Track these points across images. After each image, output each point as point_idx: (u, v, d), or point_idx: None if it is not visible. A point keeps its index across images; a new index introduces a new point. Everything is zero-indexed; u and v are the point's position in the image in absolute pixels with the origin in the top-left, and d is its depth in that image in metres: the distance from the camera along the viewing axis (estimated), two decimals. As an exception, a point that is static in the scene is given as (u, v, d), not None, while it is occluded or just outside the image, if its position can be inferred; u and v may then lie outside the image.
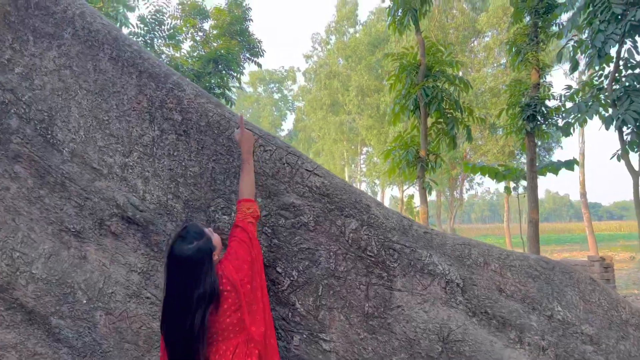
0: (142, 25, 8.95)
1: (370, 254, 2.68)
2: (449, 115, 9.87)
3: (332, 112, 44.93)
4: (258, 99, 59.99)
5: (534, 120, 9.87)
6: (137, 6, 8.99)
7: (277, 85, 60.54)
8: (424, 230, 2.78)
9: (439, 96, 9.34)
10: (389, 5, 9.75)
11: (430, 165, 10.06)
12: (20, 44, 3.10)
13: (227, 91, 10.20)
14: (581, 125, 8.97)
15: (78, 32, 3.08)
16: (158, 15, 9.10)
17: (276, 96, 60.63)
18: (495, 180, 11.55)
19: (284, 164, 2.82)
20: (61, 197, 2.99)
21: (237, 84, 10.89)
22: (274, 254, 2.71)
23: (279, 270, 2.70)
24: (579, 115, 8.34)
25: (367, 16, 48.31)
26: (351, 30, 48.96)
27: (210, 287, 2.14)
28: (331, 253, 2.69)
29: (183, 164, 2.91)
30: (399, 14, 9.66)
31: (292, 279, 2.68)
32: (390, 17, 9.81)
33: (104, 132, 3.00)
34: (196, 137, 2.90)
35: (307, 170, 2.80)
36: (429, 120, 10.07)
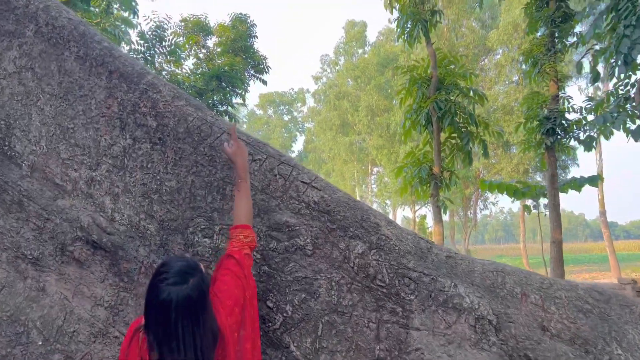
0: (142, 42, 8.68)
1: (381, 283, 2.19)
2: (463, 129, 9.38)
3: (342, 132, 44.73)
4: (268, 121, 60.06)
5: (553, 134, 9.33)
6: (138, 23, 8.75)
7: (287, 107, 60.63)
8: (446, 254, 2.29)
9: (452, 109, 8.87)
10: (398, 17, 9.40)
11: (444, 183, 9.54)
12: (-23, 43, 2.71)
13: (230, 108, 9.83)
14: (607, 138, 8.43)
15: (41, 28, 2.68)
16: (159, 31, 8.83)
17: (286, 118, 60.70)
18: (513, 198, 10.97)
19: (275, 175, 2.36)
20: (18, 219, 2.55)
21: (241, 101, 10.53)
22: (264, 284, 2.23)
23: (270, 304, 2.22)
24: (604, 127, 7.81)
25: (376, 37, 48.38)
26: (360, 51, 49.14)
27: (211, 332, 1.66)
28: (333, 283, 2.21)
29: (158, 177, 2.46)
30: (409, 26, 9.28)
31: (285, 315, 2.20)
32: (399, 29, 9.43)
33: (69, 142, 2.58)
34: (173, 145, 2.47)
35: (303, 182, 2.33)
36: (442, 136, 9.58)
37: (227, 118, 9.67)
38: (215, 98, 9.57)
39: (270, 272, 2.25)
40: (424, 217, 32.65)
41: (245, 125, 60.76)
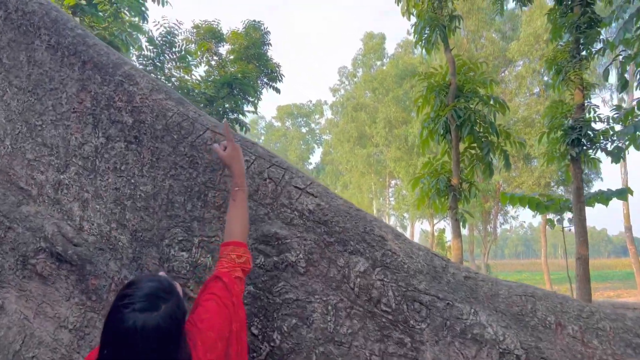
0: (151, 47, 8.50)
1: (387, 308, 1.84)
2: (483, 139, 8.95)
3: (360, 144, 44.36)
4: (286, 132, 59.97)
5: (579, 144, 8.83)
6: (150, 30, 8.58)
7: (304, 119, 60.52)
8: (465, 274, 1.93)
9: (471, 118, 8.46)
10: (415, 23, 9.07)
11: (463, 195, 9.10)
12: (-59, 32, 2.45)
13: (241, 116, 9.56)
14: (637, 148, 7.92)
15: (11, 15, 2.42)
16: (169, 37, 8.65)
17: (304, 130, 60.56)
18: (536, 212, 10.45)
19: (265, 179, 2.03)
20: (-22, 227, 2.27)
21: (253, 109, 10.29)
22: (248, 307, 1.89)
23: (255, 331, 1.88)
24: (633, 137, 7.33)
25: (394, 49, 48.18)
26: (378, 63, 48.93)
27: None
28: (329, 307, 1.86)
29: (132, 181, 2.15)
30: (427, 32, 8.94)
31: (273, 344, 1.85)
32: (416, 35, 9.10)
33: (36, 140, 2.29)
34: (150, 145, 2.16)
35: (296, 187, 2.00)
36: (461, 145, 9.17)
37: (237, 126, 9.44)
38: (226, 105, 9.35)
39: (255, 293, 1.91)
40: (442, 231, 31.97)
41: (262, 137, 60.80)
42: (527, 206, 10.32)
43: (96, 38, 2.30)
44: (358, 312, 1.85)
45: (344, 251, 1.91)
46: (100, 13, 7.09)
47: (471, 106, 8.80)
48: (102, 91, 2.24)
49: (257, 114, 10.30)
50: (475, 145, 9.13)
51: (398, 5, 9.98)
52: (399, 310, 1.83)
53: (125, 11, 7.62)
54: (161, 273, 1.69)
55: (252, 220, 1.98)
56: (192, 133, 2.12)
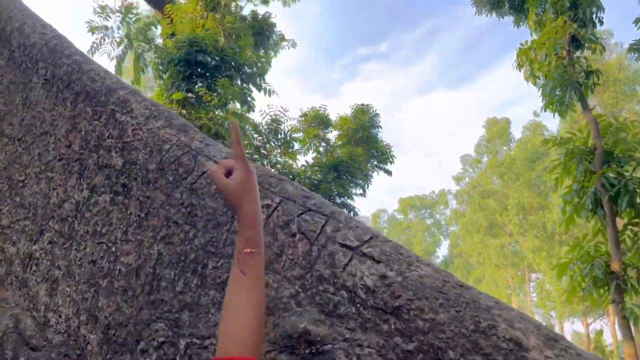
0: (255, 135, 8.43)
1: None
2: (648, 212, 7.14)
3: (491, 234, 41.38)
4: (409, 225, 58.35)
5: None
6: (260, 123, 8.59)
7: (428, 210, 58.66)
8: None
9: (629, 186, 6.80)
10: (543, 84, 7.94)
11: (629, 284, 7.16)
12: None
13: (348, 200, 8.92)
14: None
15: (14, 53, 2.00)
16: (274, 124, 8.56)
17: (428, 221, 58.47)
18: None
19: (293, 235, 1.18)
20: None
21: (362, 193, 9.63)
22: None
23: None
24: None
25: (521, 132, 45.85)
26: (504, 148, 46.90)
27: None
28: None
29: (113, 248, 1.43)
30: (558, 92, 7.73)
31: None
32: (546, 98, 7.90)
33: (14, 200, 1.72)
34: (140, 194, 1.45)
35: (345, 247, 1.11)
36: (619, 221, 7.39)
37: (345, 210, 8.82)
38: (333, 189, 8.81)
39: None
40: (599, 332, 27.16)
41: (385, 231, 59.65)
42: None
43: (95, 63, 1.75)
44: None
45: (438, 370, 0.93)
46: (207, 105, 7.19)
47: (626, 172, 7.16)
48: (92, 128, 1.63)
49: (365, 196, 9.59)
50: (637, 220, 7.30)
51: (520, 70, 8.98)
52: None
53: (231, 102, 7.70)
54: None
55: (270, 309, 1.11)
56: (193, 171, 1.38)
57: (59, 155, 1.69)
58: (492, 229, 42.04)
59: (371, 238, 1.10)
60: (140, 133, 1.52)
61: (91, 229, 1.51)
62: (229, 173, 1.09)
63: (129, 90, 1.65)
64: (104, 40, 8.36)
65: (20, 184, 1.74)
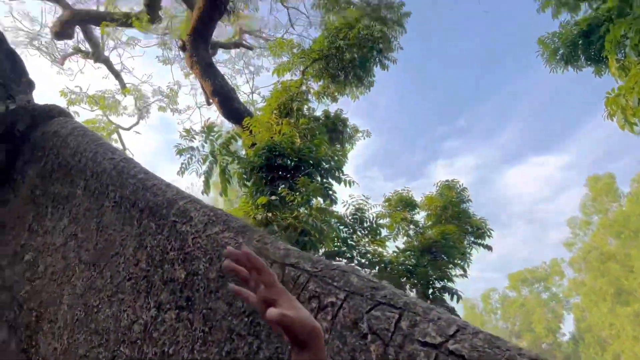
0: (341, 227, 8.31)
1: None
2: None
3: (620, 302, 36.77)
4: (524, 302, 53.53)
5: None
6: (345, 216, 8.55)
7: (542, 283, 53.78)
8: None
9: None
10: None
11: None
12: (39, 222, 2.24)
13: (449, 283, 8.27)
14: None
15: (89, 182, 2.10)
16: (358, 213, 8.44)
17: (544, 295, 53.35)
18: None
19: (363, 335, 1.00)
20: None
21: (463, 274, 8.94)
22: None
23: None
24: None
25: (630, 185, 42.04)
26: (614, 204, 43.06)
27: None
28: None
29: (179, 370, 1.32)
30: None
31: None
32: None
33: (89, 327, 1.70)
34: (203, 307, 1.36)
35: (426, 344, 0.90)
36: None
37: (448, 295, 8.19)
38: (430, 273, 8.30)
39: None
40: None
41: (499, 312, 55.04)
42: None
43: (158, 178, 1.77)
44: None
45: None
46: (290, 204, 7.29)
47: None
48: (156, 242, 1.61)
49: (467, 277, 8.89)
50: None
51: (612, 120, 8.33)
52: None
53: (313, 198, 7.78)
54: None
55: None
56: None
57: (128, 275, 1.66)
58: (620, 295, 37.53)
59: (457, 330, 0.89)
60: (199, 241, 1.45)
61: (159, 350, 1.41)
62: (265, 303, 0.88)
63: (188, 199, 1.62)
64: (192, 159, 8.99)
65: (95, 310, 1.72)
